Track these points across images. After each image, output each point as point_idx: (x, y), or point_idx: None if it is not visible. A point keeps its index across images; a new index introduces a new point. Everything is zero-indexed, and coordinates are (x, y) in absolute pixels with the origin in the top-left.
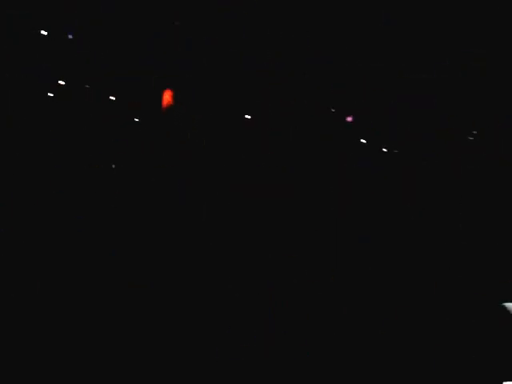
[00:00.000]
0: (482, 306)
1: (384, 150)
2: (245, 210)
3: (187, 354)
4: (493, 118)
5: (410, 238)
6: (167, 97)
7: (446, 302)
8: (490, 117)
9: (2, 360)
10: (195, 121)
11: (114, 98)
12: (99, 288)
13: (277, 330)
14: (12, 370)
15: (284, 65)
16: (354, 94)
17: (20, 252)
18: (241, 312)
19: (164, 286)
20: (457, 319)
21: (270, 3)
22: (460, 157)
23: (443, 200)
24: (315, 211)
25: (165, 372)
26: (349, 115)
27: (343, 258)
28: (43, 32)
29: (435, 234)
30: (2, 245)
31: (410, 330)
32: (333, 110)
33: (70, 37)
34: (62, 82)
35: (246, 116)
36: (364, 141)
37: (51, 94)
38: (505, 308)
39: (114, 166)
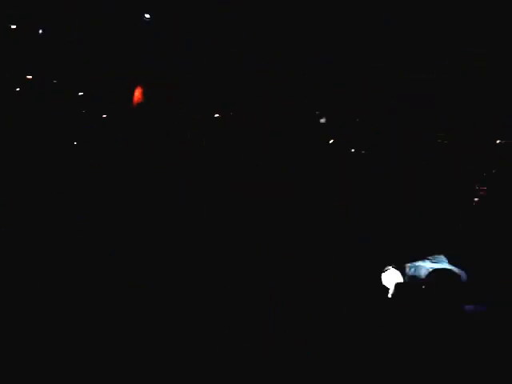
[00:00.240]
0: (481, 305)
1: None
2: (245, 209)
3: (187, 353)
4: (493, 118)
5: (410, 237)
6: (137, 94)
7: (445, 301)
8: (490, 117)
9: (1, 360)
10: (195, 121)
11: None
12: (99, 288)
13: (277, 329)
14: (12, 369)
15: (284, 65)
16: (354, 93)
17: (20, 252)
18: (241, 312)
19: (164, 285)
20: (456, 319)
21: (270, 3)
22: (460, 157)
23: (443, 200)
24: (315, 211)
25: (165, 372)
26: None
27: (343, 258)
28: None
29: (435, 233)
30: (2, 245)
31: (410, 330)
32: (332, 110)
33: (40, 31)
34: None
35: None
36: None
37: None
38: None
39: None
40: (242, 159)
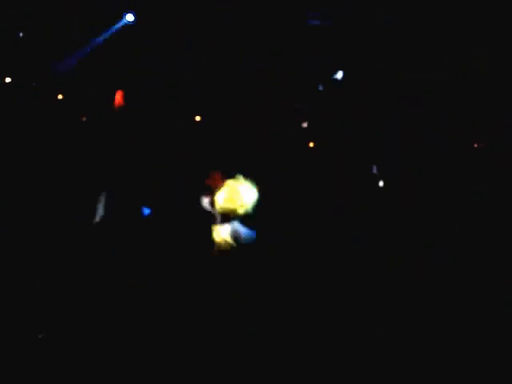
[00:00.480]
0: (481, 306)
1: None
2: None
3: (187, 353)
4: (493, 118)
5: (409, 237)
6: (118, 97)
7: (445, 301)
8: (490, 117)
9: (1, 360)
10: (195, 121)
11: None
12: (99, 288)
13: (277, 330)
14: (12, 369)
15: (284, 65)
16: (354, 93)
17: (20, 252)
18: (241, 312)
19: (164, 285)
20: (456, 319)
21: (270, 3)
22: (460, 156)
23: (442, 200)
24: (315, 211)
25: (165, 372)
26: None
27: (343, 258)
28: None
29: (435, 233)
30: (2, 245)
31: (410, 330)
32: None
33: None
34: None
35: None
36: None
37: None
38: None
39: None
40: (242, 159)
